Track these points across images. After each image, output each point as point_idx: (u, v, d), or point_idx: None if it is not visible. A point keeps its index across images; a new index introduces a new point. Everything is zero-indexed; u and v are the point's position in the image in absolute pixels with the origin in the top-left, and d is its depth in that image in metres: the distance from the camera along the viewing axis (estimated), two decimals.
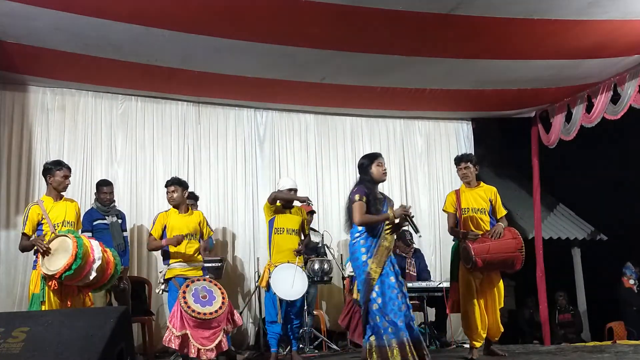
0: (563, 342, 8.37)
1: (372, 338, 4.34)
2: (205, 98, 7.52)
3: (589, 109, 7.10)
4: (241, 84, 6.95)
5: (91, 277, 4.45)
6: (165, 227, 5.40)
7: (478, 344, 5.26)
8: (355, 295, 4.58)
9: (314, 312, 6.94)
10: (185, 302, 4.99)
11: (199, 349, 4.96)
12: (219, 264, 6.59)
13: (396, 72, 6.70)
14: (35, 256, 4.72)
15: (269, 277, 5.46)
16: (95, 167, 7.00)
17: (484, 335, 5.25)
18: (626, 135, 9.01)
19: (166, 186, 5.55)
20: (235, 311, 5.42)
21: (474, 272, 5.17)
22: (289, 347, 5.88)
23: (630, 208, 9.93)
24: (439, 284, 6.81)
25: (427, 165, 8.47)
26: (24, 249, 4.91)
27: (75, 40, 5.72)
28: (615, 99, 6.70)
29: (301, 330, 6.05)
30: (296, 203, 5.74)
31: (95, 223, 6.03)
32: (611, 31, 5.72)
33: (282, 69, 6.61)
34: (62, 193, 4.96)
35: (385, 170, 4.67)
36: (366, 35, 5.81)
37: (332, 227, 7.33)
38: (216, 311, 5.04)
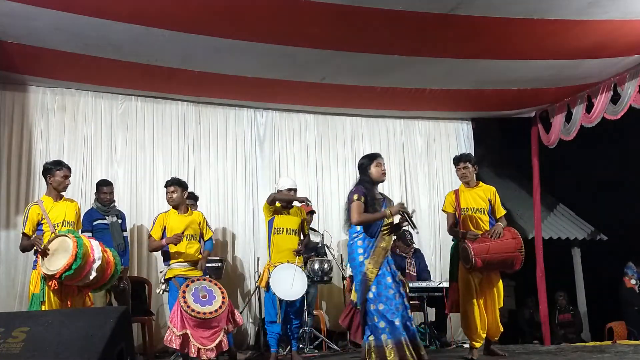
0: (563, 342, 8.37)
1: (371, 338, 4.34)
2: (205, 98, 7.52)
3: (589, 109, 7.10)
4: (241, 84, 6.95)
5: (91, 277, 4.45)
6: (165, 227, 5.41)
7: (478, 344, 5.26)
8: (353, 296, 4.58)
9: (314, 312, 6.94)
10: (185, 302, 5.00)
11: (199, 349, 4.97)
12: (219, 264, 6.60)
13: (396, 72, 6.70)
14: (35, 256, 4.72)
15: (269, 277, 5.46)
16: (95, 167, 7.00)
17: (484, 335, 5.25)
18: (626, 135, 9.00)
19: (166, 186, 5.56)
20: (235, 311, 5.43)
21: (473, 272, 5.17)
22: (289, 347, 5.88)
23: (630, 208, 9.92)
24: (439, 284, 6.81)
25: (427, 165, 8.47)
26: (24, 249, 4.92)
27: (75, 40, 5.72)
28: (615, 99, 6.70)
29: (301, 330, 6.06)
30: (295, 203, 5.75)
31: (95, 223, 6.03)
32: (611, 31, 5.72)
33: (282, 69, 6.60)
34: (62, 193, 4.97)
35: (384, 170, 4.66)
36: (366, 35, 5.81)
37: (332, 227, 7.32)
38: (216, 310, 5.05)
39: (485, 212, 5.31)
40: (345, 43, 5.97)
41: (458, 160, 5.50)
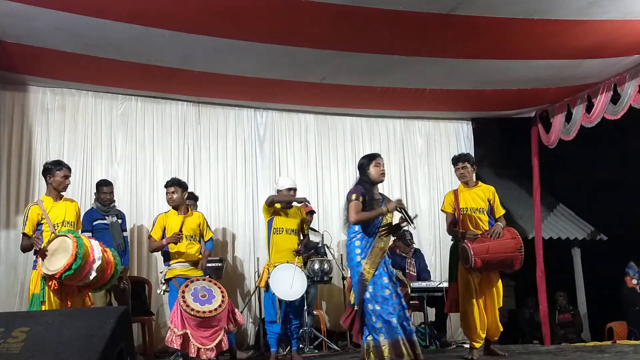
0: (563, 342, 8.37)
1: (369, 338, 4.35)
2: (205, 98, 7.52)
3: (589, 109, 7.10)
4: (241, 84, 6.95)
5: (91, 277, 4.45)
6: (165, 228, 5.41)
7: (478, 345, 5.26)
8: (352, 297, 4.59)
9: (314, 312, 6.94)
10: (185, 301, 5.00)
11: (198, 349, 4.97)
12: (219, 264, 6.60)
13: (396, 72, 6.70)
14: (35, 256, 4.72)
15: (268, 277, 5.46)
16: (95, 167, 7.00)
17: (484, 335, 5.25)
18: (626, 135, 9.00)
19: (166, 187, 5.56)
20: (236, 310, 5.43)
21: (472, 272, 5.16)
22: (289, 347, 5.88)
23: (630, 208, 9.92)
24: (439, 284, 6.81)
25: (427, 165, 8.47)
26: (24, 249, 4.92)
27: (75, 40, 5.72)
28: (615, 99, 6.70)
29: (301, 330, 6.05)
30: (294, 203, 5.75)
31: (95, 223, 6.03)
32: (611, 31, 5.72)
33: (282, 69, 6.60)
34: (62, 193, 4.97)
35: (383, 171, 4.66)
36: (366, 35, 5.81)
37: (332, 227, 7.32)
38: (215, 309, 5.04)
39: (485, 212, 5.31)
40: (345, 43, 5.97)
41: (457, 160, 5.51)
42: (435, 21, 5.50)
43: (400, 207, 4.48)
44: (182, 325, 5.01)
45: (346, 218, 4.59)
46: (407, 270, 7.16)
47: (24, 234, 4.78)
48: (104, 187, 6.22)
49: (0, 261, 6.47)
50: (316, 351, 6.48)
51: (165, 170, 7.17)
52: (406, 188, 8.30)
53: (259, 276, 6.28)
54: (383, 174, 4.66)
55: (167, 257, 5.45)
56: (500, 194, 5.52)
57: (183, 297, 5.03)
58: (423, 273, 7.34)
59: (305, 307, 5.99)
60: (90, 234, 5.65)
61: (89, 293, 4.80)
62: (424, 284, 6.91)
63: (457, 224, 5.35)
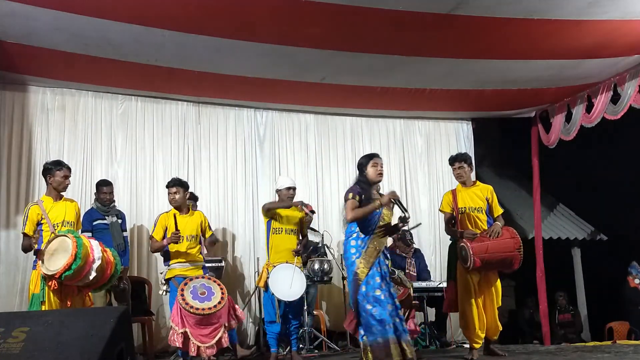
0: (563, 342, 8.37)
1: (365, 337, 4.36)
2: (205, 98, 7.52)
3: (589, 109, 7.10)
4: (241, 84, 6.95)
5: (91, 277, 4.45)
6: (166, 228, 5.39)
7: (477, 345, 5.26)
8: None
9: (314, 312, 6.94)
10: (184, 299, 5.00)
11: (198, 347, 4.97)
12: (219, 264, 6.60)
13: (396, 72, 6.70)
14: (35, 256, 4.72)
15: (267, 277, 5.46)
16: (95, 167, 7.00)
17: (483, 335, 5.25)
18: (626, 135, 9.00)
19: (167, 187, 5.55)
20: (237, 307, 5.42)
21: (471, 271, 5.16)
22: (289, 347, 5.88)
23: (630, 208, 9.91)
24: (439, 284, 6.82)
25: (427, 165, 8.47)
26: (25, 249, 4.93)
27: (75, 40, 5.72)
28: (615, 99, 6.70)
29: (301, 330, 6.05)
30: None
31: (95, 223, 6.03)
32: (611, 31, 5.72)
33: (282, 69, 6.60)
34: (62, 193, 4.97)
35: (380, 170, 4.64)
36: (366, 35, 5.81)
37: (332, 227, 7.32)
38: (215, 306, 5.04)
39: (483, 211, 5.31)
40: (345, 43, 5.97)
41: (453, 160, 5.52)
42: (435, 21, 5.50)
43: (394, 198, 4.48)
44: (182, 324, 5.01)
45: (344, 218, 4.60)
46: (407, 270, 7.15)
47: (24, 234, 4.78)
48: (104, 187, 6.22)
49: (0, 261, 6.47)
50: (316, 351, 6.48)
51: (165, 170, 7.17)
52: (406, 188, 8.30)
53: (258, 276, 6.28)
54: (381, 174, 4.65)
55: (167, 257, 5.44)
56: (500, 194, 5.53)
57: (182, 295, 5.03)
58: (423, 273, 7.34)
59: (305, 307, 5.99)
60: (90, 234, 5.65)
61: (89, 293, 4.80)
62: (424, 284, 6.92)
63: (455, 224, 5.36)
